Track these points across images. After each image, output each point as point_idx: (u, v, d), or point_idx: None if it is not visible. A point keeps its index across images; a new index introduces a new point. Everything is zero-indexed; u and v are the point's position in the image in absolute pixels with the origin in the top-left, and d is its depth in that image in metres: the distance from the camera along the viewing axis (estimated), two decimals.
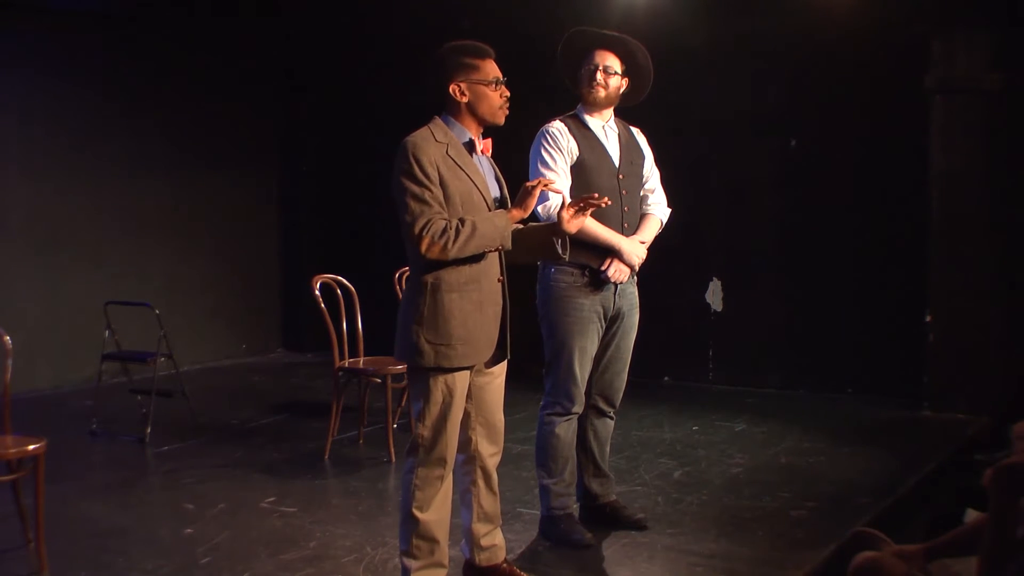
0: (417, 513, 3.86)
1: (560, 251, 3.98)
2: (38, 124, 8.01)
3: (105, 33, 8.34)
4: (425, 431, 3.84)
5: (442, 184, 3.76)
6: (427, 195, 3.72)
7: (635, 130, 4.92)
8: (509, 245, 3.83)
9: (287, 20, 9.41)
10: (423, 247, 3.70)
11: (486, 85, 3.86)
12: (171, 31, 8.69)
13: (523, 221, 3.97)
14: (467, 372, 3.89)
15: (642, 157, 4.85)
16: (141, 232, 8.64)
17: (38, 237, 8.00)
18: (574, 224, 3.92)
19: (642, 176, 4.83)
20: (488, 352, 3.93)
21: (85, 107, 8.26)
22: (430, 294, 3.80)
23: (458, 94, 3.86)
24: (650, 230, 4.80)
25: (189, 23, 8.76)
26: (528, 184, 3.90)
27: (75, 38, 8.18)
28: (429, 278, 3.80)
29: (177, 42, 8.76)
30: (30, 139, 7.96)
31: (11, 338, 4.72)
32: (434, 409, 3.84)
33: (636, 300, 4.83)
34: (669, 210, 4.92)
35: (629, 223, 4.72)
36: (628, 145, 4.81)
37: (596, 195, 3.92)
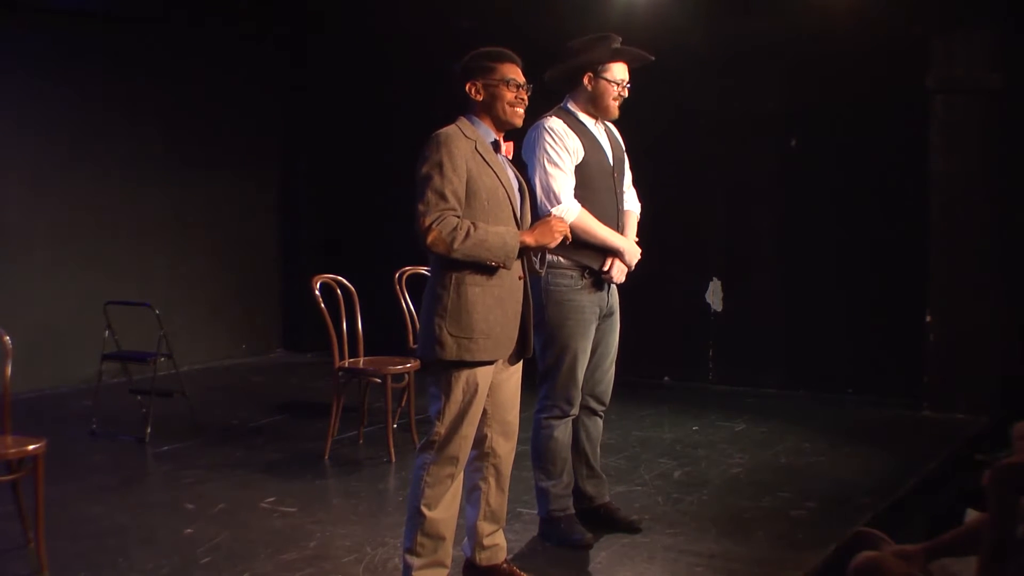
0: (425, 510, 3.86)
1: (537, 266, 4.05)
2: (38, 125, 8.00)
3: (105, 34, 8.34)
4: (442, 428, 3.85)
5: (470, 179, 3.79)
6: (448, 190, 3.73)
7: (611, 126, 4.90)
8: (511, 267, 3.86)
9: (287, 21, 9.41)
10: (429, 239, 3.72)
11: (499, 85, 3.90)
12: (171, 32, 8.69)
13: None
14: (489, 369, 3.90)
15: (623, 153, 4.87)
16: (141, 232, 8.64)
17: (38, 237, 8.00)
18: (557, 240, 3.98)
19: (624, 173, 4.85)
20: (508, 348, 3.94)
21: (85, 108, 8.26)
22: (454, 288, 3.81)
23: (473, 92, 3.91)
24: (634, 227, 4.82)
25: (189, 24, 8.75)
26: (552, 220, 3.92)
27: (75, 39, 8.18)
28: (453, 272, 3.81)
29: (177, 43, 8.76)
30: (30, 140, 7.96)
31: (11, 338, 4.72)
32: (454, 406, 3.84)
33: (618, 297, 4.84)
34: (639, 204, 4.94)
35: (621, 222, 4.74)
36: (615, 143, 4.82)
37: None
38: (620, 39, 4.71)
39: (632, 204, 4.88)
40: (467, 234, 3.72)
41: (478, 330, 3.81)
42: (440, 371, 3.86)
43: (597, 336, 4.73)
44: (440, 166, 3.75)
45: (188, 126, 8.91)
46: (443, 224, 3.71)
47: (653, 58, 4.76)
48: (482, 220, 3.79)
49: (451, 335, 3.80)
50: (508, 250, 3.81)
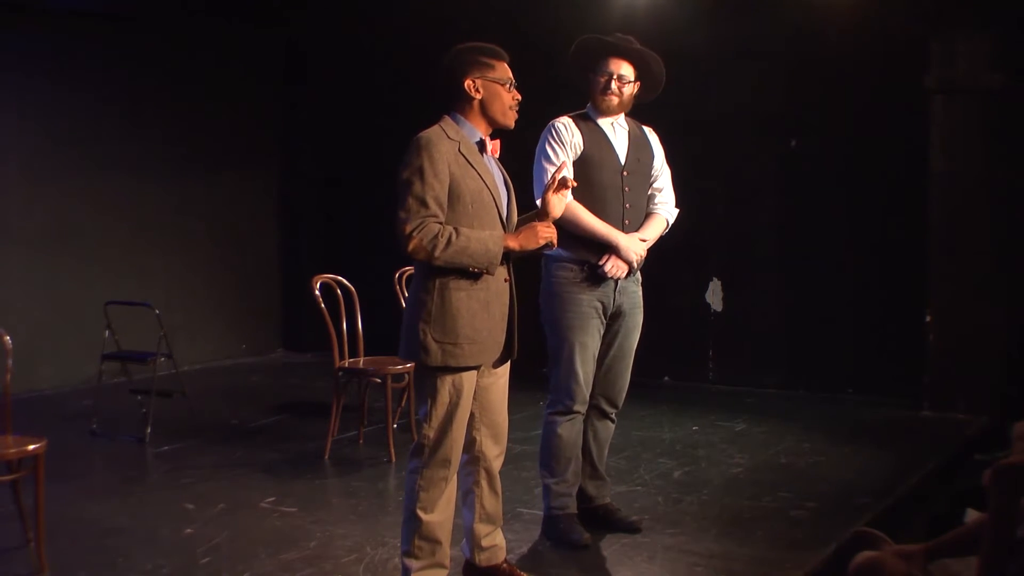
0: (421, 514, 3.85)
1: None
2: (38, 124, 8.00)
3: (105, 33, 8.33)
4: (431, 432, 3.83)
5: (453, 182, 3.75)
6: (428, 195, 3.70)
7: (647, 129, 4.90)
8: (494, 272, 3.83)
9: (287, 21, 9.40)
10: (410, 247, 3.70)
11: (500, 84, 3.88)
12: (171, 31, 8.69)
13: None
14: (474, 372, 3.88)
15: (651, 156, 4.83)
16: (141, 232, 8.64)
17: (38, 237, 7.99)
18: (558, 206, 3.97)
19: (650, 175, 4.82)
20: (495, 353, 3.93)
21: (85, 107, 8.25)
22: (438, 292, 3.79)
23: (472, 90, 3.86)
24: (653, 229, 4.79)
25: (189, 23, 8.76)
26: (538, 225, 3.90)
27: (75, 38, 8.18)
28: (437, 276, 3.79)
29: (177, 42, 8.76)
30: (30, 139, 7.96)
31: (11, 338, 4.72)
32: (441, 409, 3.83)
33: (639, 300, 4.82)
34: (677, 210, 4.91)
35: (631, 220, 4.71)
36: (637, 143, 4.79)
37: (568, 178, 3.99)
38: (628, 37, 4.70)
39: (662, 208, 4.84)
40: (448, 241, 3.69)
41: (463, 335, 3.79)
42: (425, 375, 3.86)
43: (609, 336, 4.74)
44: (421, 171, 3.71)
45: (188, 126, 8.90)
46: (424, 232, 3.68)
47: (634, 46, 4.68)
48: (467, 223, 3.77)
49: (435, 340, 3.78)
50: (491, 256, 3.78)
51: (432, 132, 3.82)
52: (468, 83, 3.86)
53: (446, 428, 3.84)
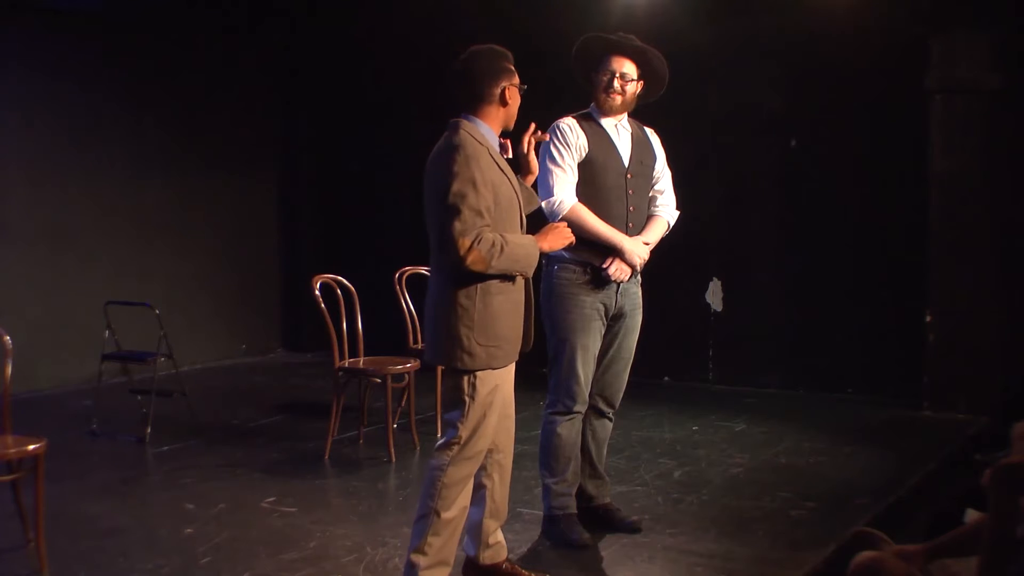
0: (441, 511, 3.87)
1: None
2: (38, 124, 8.01)
3: (105, 33, 8.34)
4: (464, 431, 3.87)
5: (492, 190, 3.79)
6: (483, 206, 3.73)
7: (649, 131, 4.90)
8: (530, 275, 3.95)
9: (287, 21, 9.41)
10: (470, 259, 3.71)
11: (519, 90, 3.95)
12: (171, 32, 8.69)
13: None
14: (505, 370, 3.95)
15: (653, 158, 4.83)
16: (141, 232, 8.64)
17: (38, 237, 8.00)
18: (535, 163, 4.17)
19: (652, 177, 4.82)
20: (519, 348, 4.01)
21: (85, 107, 8.26)
22: (480, 298, 3.82)
23: (509, 97, 3.91)
24: (655, 231, 4.79)
25: (189, 24, 8.76)
26: (560, 226, 4.04)
27: (75, 38, 8.19)
28: (478, 282, 3.81)
29: (177, 42, 8.77)
30: (30, 139, 7.96)
31: (11, 338, 4.72)
32: (479, 410, 3.87)
33: (639, 300, 4.82)
34: (677, 212, 4.92)
35: (634, 223, 4.72)
36: (640, 145, 4.79)
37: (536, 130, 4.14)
38: (631, 36, 4.70)
39: (664, 211, 4.85)
40: (501, 250, 3.75)
41: (502, 337, 3.87)
42: (463, 378, 3.88)
43: (608, 337, 4.74)
44: (473, 182, 3.72)
45: (188, 126, 8.91)
46: (483, 243, 3.71)
47: (635, 43, 4.68)
48: (501, 228, 3.82)
49: (480, 344, 3.83)
50: (531, 260, 3.89)
51: (466, 138, 3.82)
52: (506, 90, 3.89)
53: (479, 427, 3.88)
